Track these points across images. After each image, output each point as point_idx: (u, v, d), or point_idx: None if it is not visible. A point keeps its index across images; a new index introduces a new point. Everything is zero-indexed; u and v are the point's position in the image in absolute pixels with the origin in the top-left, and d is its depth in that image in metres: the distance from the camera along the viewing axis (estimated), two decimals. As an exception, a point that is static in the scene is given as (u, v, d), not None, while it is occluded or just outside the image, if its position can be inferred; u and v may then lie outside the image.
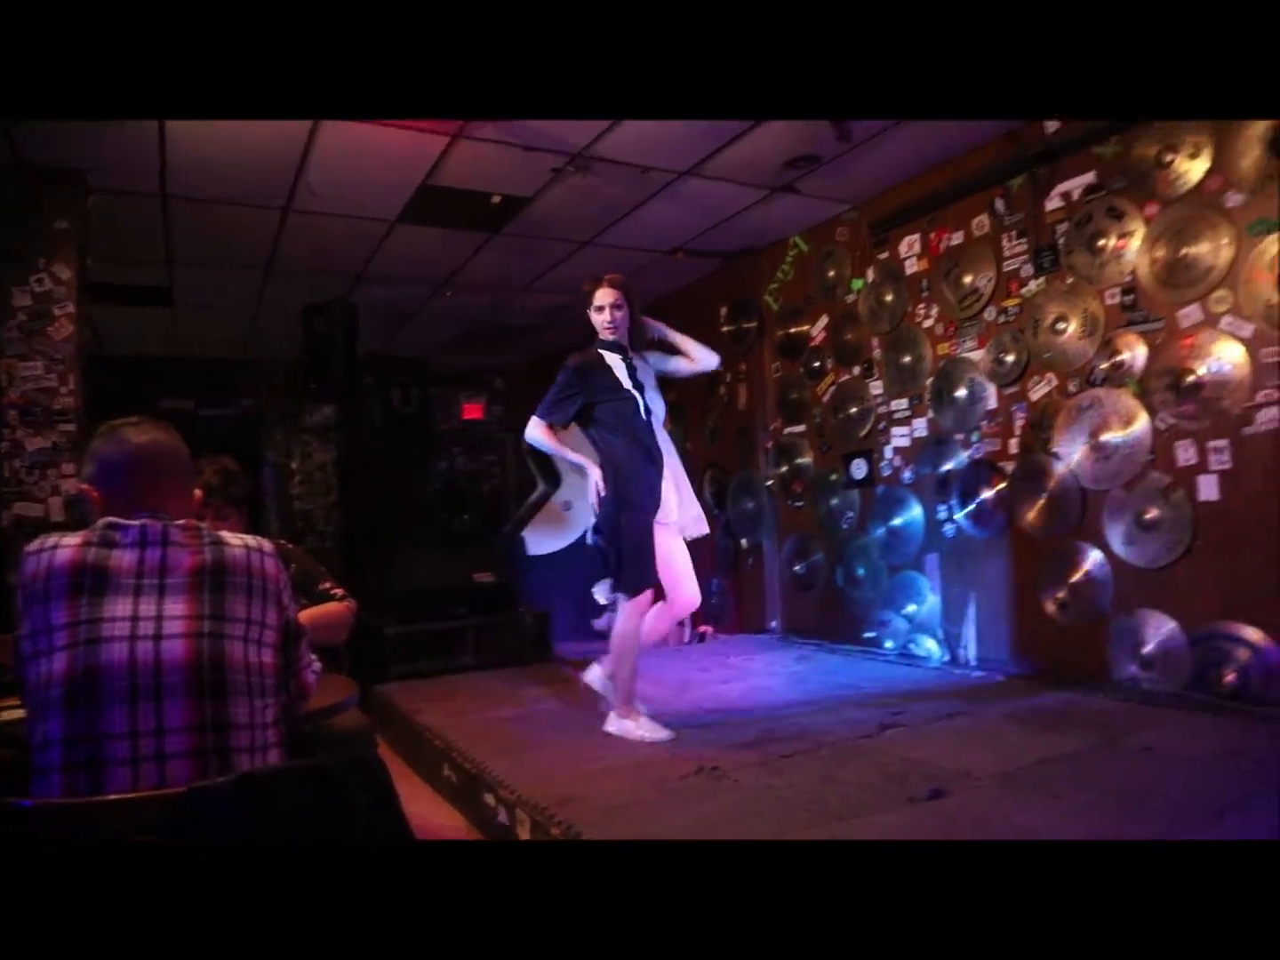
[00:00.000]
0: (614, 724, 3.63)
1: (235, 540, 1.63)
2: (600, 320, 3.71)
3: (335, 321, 6.34)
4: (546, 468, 8.01)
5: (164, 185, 4.50)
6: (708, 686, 4.55)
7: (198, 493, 1.78)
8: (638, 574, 3.53)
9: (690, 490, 3.88)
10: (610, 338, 3.72)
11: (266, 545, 1.69)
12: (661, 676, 4.84)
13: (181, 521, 1.59)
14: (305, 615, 2.02)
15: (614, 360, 3.74)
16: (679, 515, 3.73)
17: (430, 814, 3.38)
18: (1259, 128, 3.55)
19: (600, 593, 7.52)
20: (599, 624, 7.48)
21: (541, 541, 7.49)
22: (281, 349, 7.63)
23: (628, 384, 3.70)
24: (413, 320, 7.52)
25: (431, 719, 4.14)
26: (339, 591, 2.84)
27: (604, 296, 3.67)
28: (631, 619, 3.57)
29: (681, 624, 6.93)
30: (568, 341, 8.66)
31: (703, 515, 3.88)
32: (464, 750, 3.54)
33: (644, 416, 3.68)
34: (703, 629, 6.52)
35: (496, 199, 4.99)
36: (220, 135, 3.95)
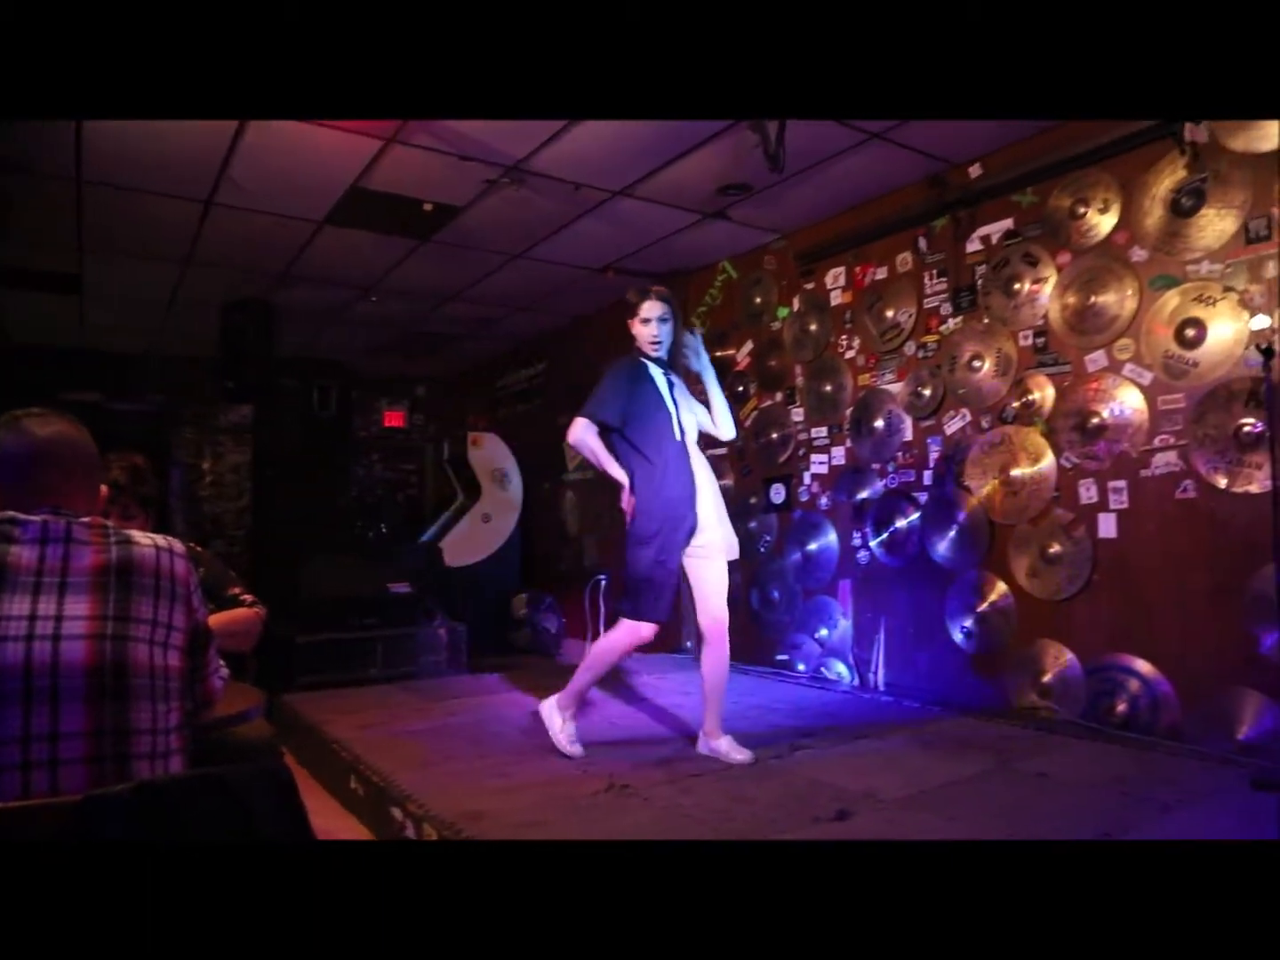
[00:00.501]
0: (546, 708, 3.64)
1: (144, 539, 1.58)
2: (646, 334, 3.52)
3: (254, 320, 6.20)
4: (467, 479, 7.97)
5: (79, 170, 4.34)
6: (620, 704, 4.55)
7: (104, 489, 1.72)
8: (639, 604, 3.45)
9: (724, 512, 3.65)
10: (655, 354, 3.55)
11: (177, 546, 1.64)
12: (575, 693, 4.83)
13: (86, 519, 1.54)
14: (214, 620, 1.96)
15: (657, 373, 3.57)
16: (717, 538, 3.55)
17: (335, 828, 3.30)
18: (1162, 188, 3.75)
19: (517, 607, 7.50)
20: (515, 639, 7.44)
21: (460, 553, 7.43)
22: (197, 345, 7.42)
23: (668, 400, 3.53)
24: (336, 323, 7.39)
25: (339, 730, 4.05)
26: (248, 597, 2.77)
27: (652, 309, 3.49)
28: (623, 637, 3.49)
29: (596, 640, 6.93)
30: (493, 353, 8.74)
31: (734, 539, 3.66)
32: (372, 763, 3.47)
33: (678, 437, 3.50)
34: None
35: (428, 206, 4.94)
36: (142, 122, 3.83)
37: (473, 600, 7.07)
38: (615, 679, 5.26)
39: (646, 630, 3.46)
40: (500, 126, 4.01)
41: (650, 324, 3.49)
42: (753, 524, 5.80)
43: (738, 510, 5.88)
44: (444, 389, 9.94)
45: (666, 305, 3.50)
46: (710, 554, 3.52)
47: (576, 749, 3.52)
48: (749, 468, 5.91)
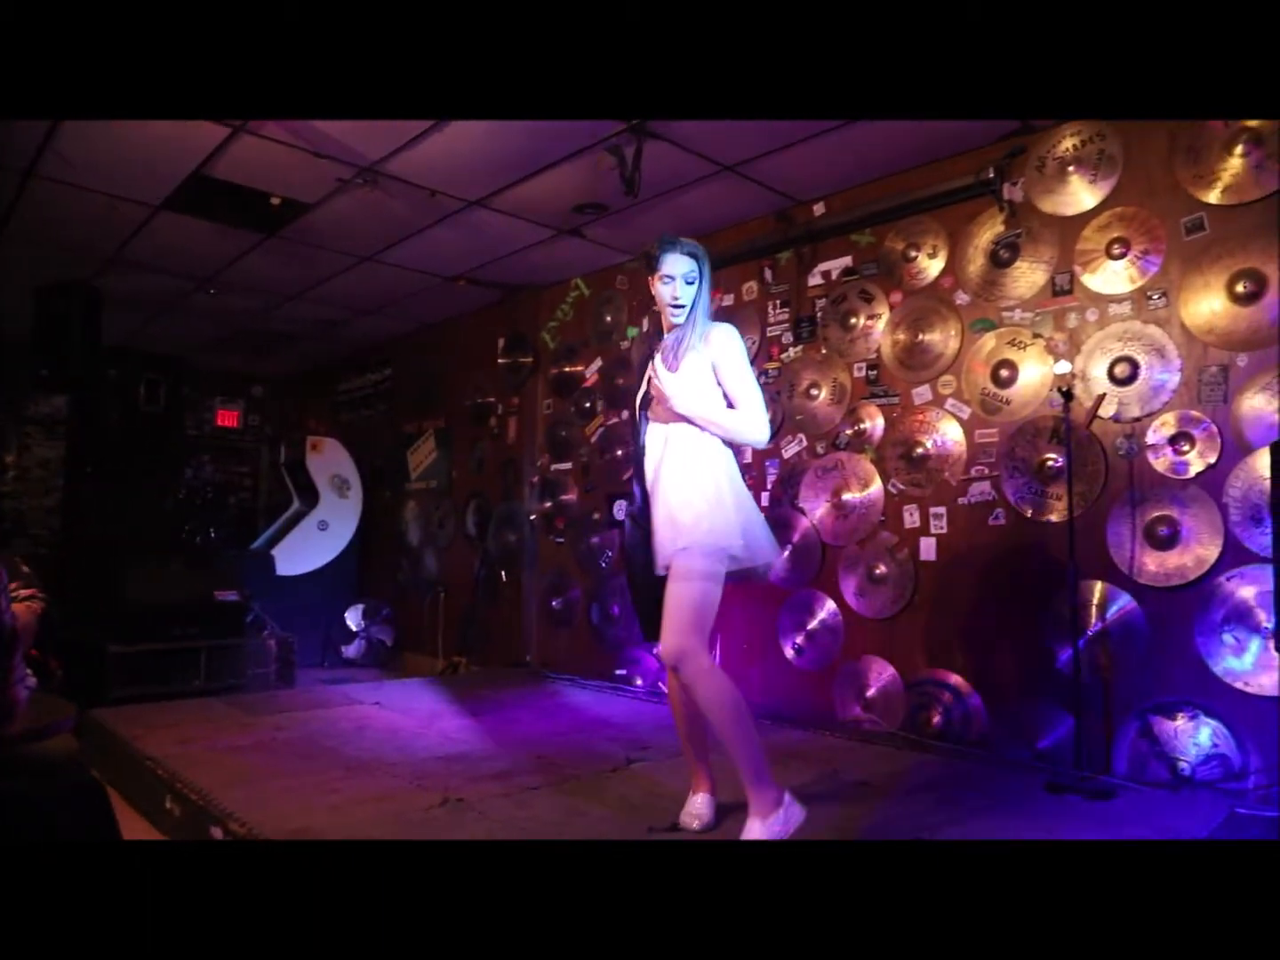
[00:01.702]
0: (761, 829, 2.52)
1: None
2: (666, 295, 2.77)
3: (75, 305, 5.79)
4: (304, 484, 7.69)
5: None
6: (457, 718, 4.50)
7: None
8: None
9: (687, 511, 2.66)
10: (675, 320, 2.81)
11: None
12: (410, 707, 4.74)
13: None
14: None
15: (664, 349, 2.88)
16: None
17: (145, 849, 3.11)
18: (984, 240, 4.08)
19: (352, 619, 7.28)
20: (349, 651, 7.22)
21: (293, 561, 7.15)
22: (6, 328, 6.86)
23: (654, 373, 2.88)
24: (169, 314, 6.99)
25: (154, 746, 3.82)
26: (25, 592, 2.54)
27: (675, 264, 2.72)
28: (701, 677, 2.60)
29: (434, 655, 6.82)
30: (337, 355, 8.48)
31: (689, 542, 2.65)
32: (190, 780, 3.29)
33: (641, 438, 2.93)
34: (457, 659, 6.43)
35: (276, 200, 4.77)
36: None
37: (306, 610, 6.81)
38: (456, 691, 5.19)
39: (688, 648, 2.61)
40: (357, 126, 3.93)
41: (673, 283, 2.74)
42: (595, 539, 5.87)
43: (579, 524, 5.96)
44: (283, 390, 9.56)
45: (694, 262, 2.74)
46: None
47: (796, 811, 2.64)
48: (593, 484, 5.97)
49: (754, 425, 2.72)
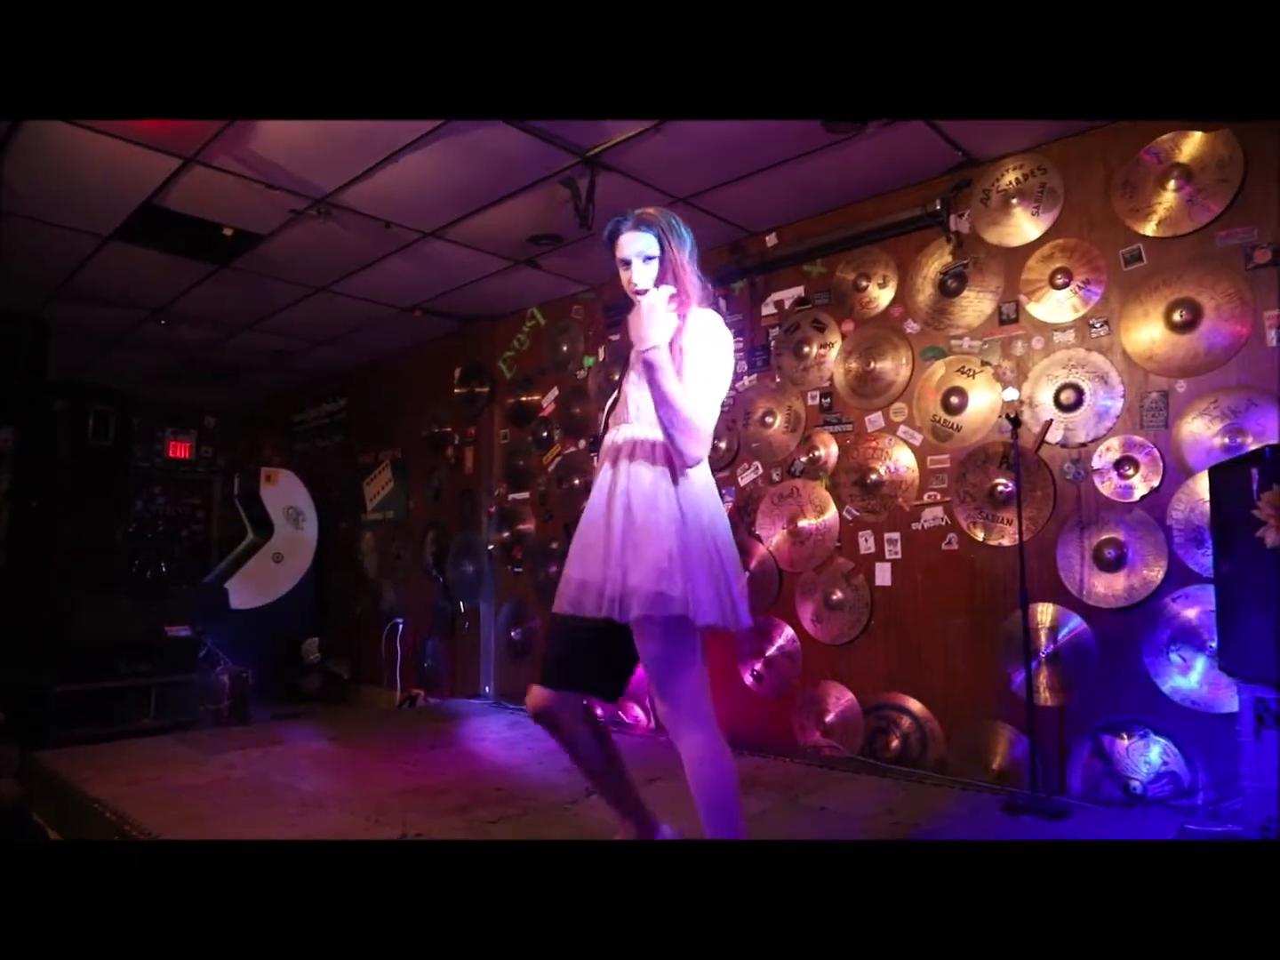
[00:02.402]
0: None
1: None
2: (625, 280, 2.32)
3: (22, 336, 5.70)
4: (258, 516, 7.58)
5: None
6: (415, 751, 4.44)
7: None
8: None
9: (629, 552, 2.14)
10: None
11: None
12: (367, 741, 4.67)
13: None
14: None
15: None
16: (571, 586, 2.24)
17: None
18: (932, 270, 4.17)
19: (308, 652, 7.17)
20: (305, 685, 7.10)
21: (248, 594, 7.03)
22: (-51, 361, 6.71)
23: (615, 393, 2.45)
24: (118, 345, 6.89)
25: (102, 788, 3.71)
26: None
27: (629, 244, 2.28)
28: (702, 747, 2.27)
29: (392, 687, 6.74)
30: (291, 386, 8.41)
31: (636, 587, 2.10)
32: (139, 822, 3.21)
33: (602, 432, 2.46)
34: (415, 692, 6.35)
35: (229, 231, 4.74)
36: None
37: (260, 644, 6.69)
38: (414, 724, 5.13)
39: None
40: (310, 157, 3.94)
41: (629, 267, 2.29)
42: (553, 568, 5.85)
43: (537, 554, 5.94)
44: (236, 421, 9.44)
45: (651, 234, 2.26)
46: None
47: None
48: (551, 513, 5.96)
49: (690, 432, 2.12)
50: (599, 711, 2.42)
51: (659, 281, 2.25)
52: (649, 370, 2.12)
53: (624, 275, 2.31)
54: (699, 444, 2.15)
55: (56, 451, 6.58)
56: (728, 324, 2.63)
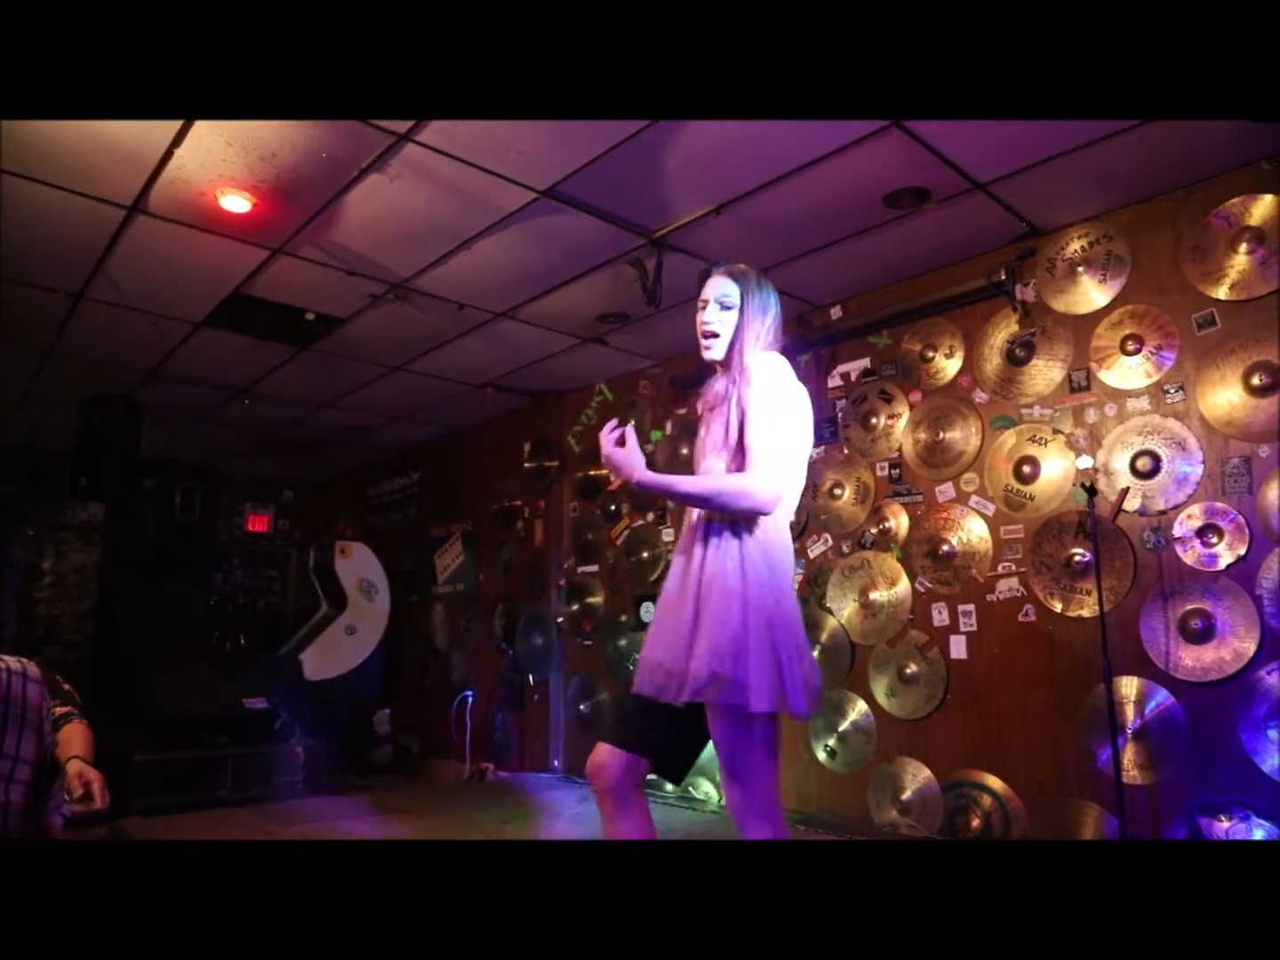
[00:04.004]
0: None
1: None
2: (698, 322, 2.33)
3: (115, 417, 5.99)
4: (332, 589, 7.74)
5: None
6: (485, 824, 4.42)
7: None
8: None
9: (688, 634, 2.09)
10: (705, 352, 2.32)
11: (31, 670, 1.54)
12: (439, 815, 4.67)
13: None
14: (80, 740, 1.83)
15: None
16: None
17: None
18: (999, 339, 4.16)
19: (379, 724, 7.23)
20: (376, 758, 7.14)
21: (321, 666, 7.15)
22: (49, 437, 7.08)
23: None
24: (203, 423, 7.20)
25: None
26: (60, 709, 2.44)
27: (711, 288, 2.32)
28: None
29: (461, 760, 6.74)
30: (366, 461, 8.65)
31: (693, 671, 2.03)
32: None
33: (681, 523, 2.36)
34: (484, 766, 6.35)
35: (311, 316, 4.97)
36: (21, 210, 3.75)
37: (333, 716, 6.78)
38: (484, 799, 5.12)
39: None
40: (389, 245, 4.12)
41: (707, 307, 2.30)
42: (622, 641, 5.85)
43: (606, 627, 5.94)
44: (313, 494, 9.71)
45: (735, 285, 2.28)
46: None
47: None
48: (619, 586, 5.98)
49: (747, 485, 2.05)
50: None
51: (734, 332, 2.27)
52: (648, 494, 2.15)
53: (699, 315, 2.32)
54: (760, 493, 2.05)
55: (144, 526, 6.85)
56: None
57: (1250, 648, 3.32)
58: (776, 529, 2.17)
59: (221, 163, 3.39)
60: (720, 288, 2.29)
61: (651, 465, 2.22)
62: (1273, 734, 3.23)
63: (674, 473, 2.35)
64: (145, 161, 3.37)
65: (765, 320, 2.28)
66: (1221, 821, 3.32)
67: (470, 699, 6.93)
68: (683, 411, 5.66)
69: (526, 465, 6.76)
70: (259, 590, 9.19)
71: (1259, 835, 3.23)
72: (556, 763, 6.18)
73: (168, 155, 3.32)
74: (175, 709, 5.57)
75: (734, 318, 2.26)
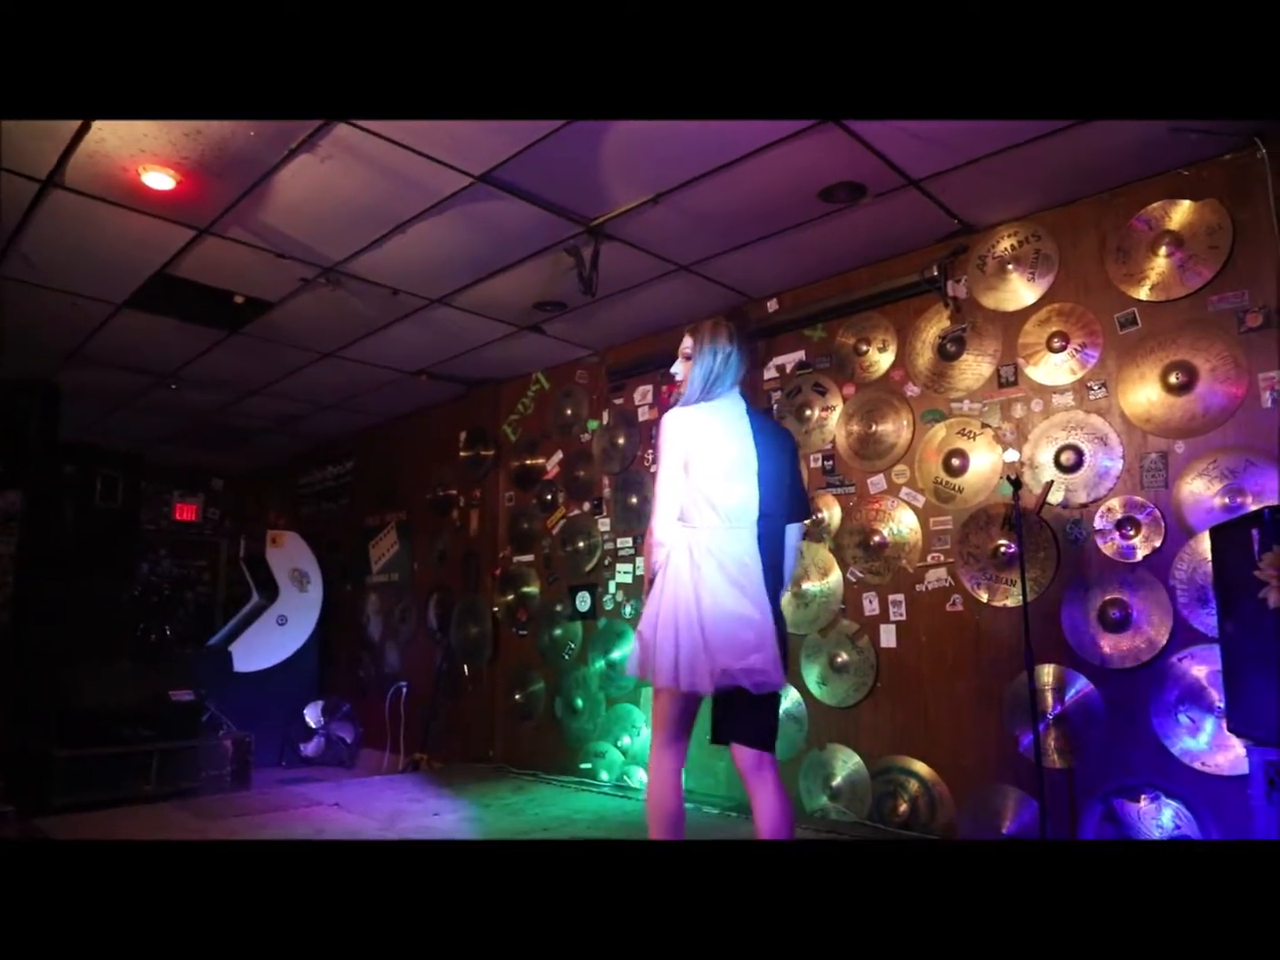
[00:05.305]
0: None
1: None
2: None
3: (32, 401, 5.78)
4: (263, 578, 7.58)
5: None
6: (420, 818, 4.39)
7: None
8: None
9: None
10: (678, 397, 2.82)
11: None
12: (371, 807, 4.62)
13: None
14: None
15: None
16: None
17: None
18: (931, 334, 4.24)
19: (311, 716, 7.12)
20: (308, 749, 7.03)
21: (252, 657, 7.01)
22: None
23: None
24: (127, 409, 6.99)
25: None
26: None
27: (683, 343, 2.82)
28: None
29: (396, 751, 6.68)
30: (298, 449, 8.48)
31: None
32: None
33: None
34: (419, 756, 6.29)
35: (239, 299, 4.85)
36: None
37: (263, 708, 6.65)
38: (419, 790, 5.07)
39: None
40: (320, 227, 4.04)
41: (678, 362, 2.84)
42: (557, 631, 5.84)
43: (542, 616, 5.94)
44: (244, 483, 9.50)
45: (692, 338, 2.78)
46: None
47: None
48: (555, 575, 5.97)
49: (650, 531, 2.63)
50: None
51: (691, 378, 2.75)
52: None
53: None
54: (652, 535, 2.62)
55: (64, 514, 6.62)
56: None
57: (1163, 636, 3.44)
58: (708, 543, 2.56)
59: (143, 137, 3.28)
60: (685, 342, 2.79)
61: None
62: (1183, 718, 3.36)
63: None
64: (61, 134, 3.25)
65: (715, 363, 2.72)
66: (1134, 802, 3.44)
67: (404, 689, 6.86)
68: (619, 401, 5.66)
69: (462, 454, 6.70)
70: (187, 580, 8.96)
71: (1168, 815, 3.36)
72: (492, 752, 6.16)
73: (85, 128, 3.21)
74: (97, 703, 5.40)
75: (690, 367, 2.75)
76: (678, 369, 2.81)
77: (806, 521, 3.22)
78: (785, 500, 2.75)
